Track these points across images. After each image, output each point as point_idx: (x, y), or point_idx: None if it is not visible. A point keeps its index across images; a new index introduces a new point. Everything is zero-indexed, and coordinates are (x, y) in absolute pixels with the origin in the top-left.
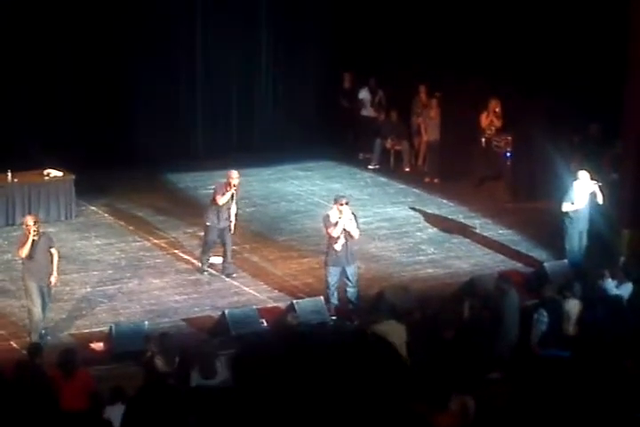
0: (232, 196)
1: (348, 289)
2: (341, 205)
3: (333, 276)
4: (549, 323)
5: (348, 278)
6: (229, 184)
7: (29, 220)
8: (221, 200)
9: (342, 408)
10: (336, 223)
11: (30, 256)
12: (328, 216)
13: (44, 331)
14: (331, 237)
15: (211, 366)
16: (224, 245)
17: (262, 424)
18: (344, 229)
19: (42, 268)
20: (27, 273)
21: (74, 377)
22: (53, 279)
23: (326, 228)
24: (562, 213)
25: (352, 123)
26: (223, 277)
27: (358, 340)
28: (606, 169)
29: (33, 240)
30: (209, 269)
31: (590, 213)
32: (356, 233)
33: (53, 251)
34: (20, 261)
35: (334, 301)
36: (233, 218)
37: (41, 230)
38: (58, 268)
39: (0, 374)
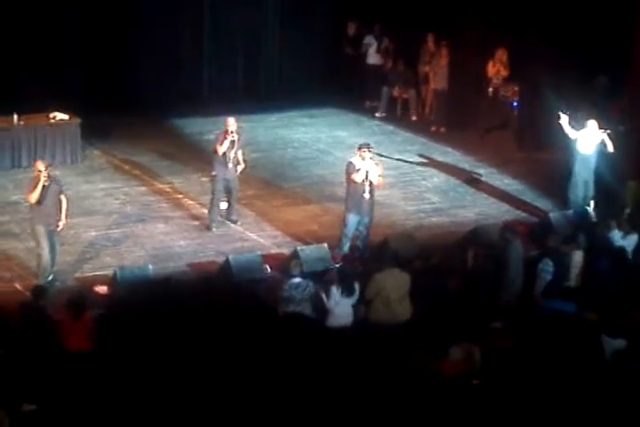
0: (232, 143)
1: (360, 237)
2: (363, 151)
3: (352, 223)
4: (554, 273)
5: (365, 227)
6: (227, 132)
7: (40, 165)
8: (221, 149)
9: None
10: (359, 169)
11: (39, 201)
12: (351, 163)
13: (52, 276)
14: (354, 183)
15: None
16: (230, 192)
17: None
18: (367, 177)
19: (50, 212)
20: (35, 217)
21: (82, 319)
22: (61, 224)
23: (348, 174)
24: (570, 161)
25: (358, 71)
26: (228, 222)
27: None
28: (614, 120)
29: (43, 186)
30: (218, 226)
31: (597, 164)
32: (377, 180)
33: (62, 197)
34: (28, 205)
35: (345, 249)
36: (242, 165)
37: (51, 175)
38: (66, 213)
39: (4, 315)
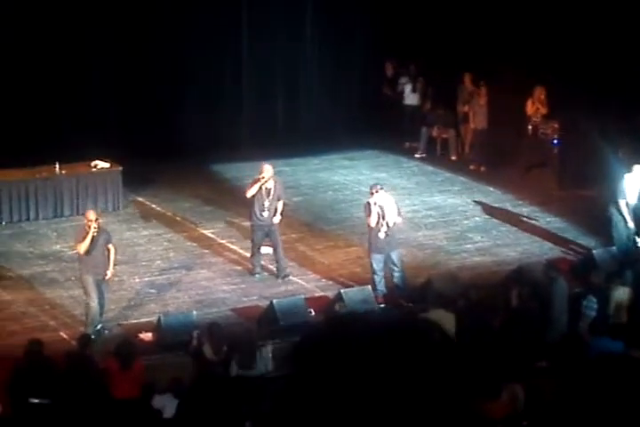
0: (268, 190)
1: (394, 274)
2: (371, 193)
3: (378, 262)
4: (598, 310)
5: (393, 264)
6: (259, 177)
7: (91, 215)
8: (249, 192)
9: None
10: (369, 212)
11: (88, 252)
12: (367, 204)
13: (101, 325)
14: (369, 225)
15: (250, 357)
16: (274, 244)
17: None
18: (380, 216)
19: (98, 262)
20: (84, 267)
21: (130, 368)
22: (109, 273)
23: (366, 216)
24: (609, 202)
25: (396, 112)
26: (270, 266)
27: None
28: None
29: (92, 236)
30: (261, 272)
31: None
32: (391, 220)
33: (111, 246)
34: (76, 254)
35: (381, 288)
36: (278, 216)
37: (100, 225)
38: (114, 263)
39: (51, 364)
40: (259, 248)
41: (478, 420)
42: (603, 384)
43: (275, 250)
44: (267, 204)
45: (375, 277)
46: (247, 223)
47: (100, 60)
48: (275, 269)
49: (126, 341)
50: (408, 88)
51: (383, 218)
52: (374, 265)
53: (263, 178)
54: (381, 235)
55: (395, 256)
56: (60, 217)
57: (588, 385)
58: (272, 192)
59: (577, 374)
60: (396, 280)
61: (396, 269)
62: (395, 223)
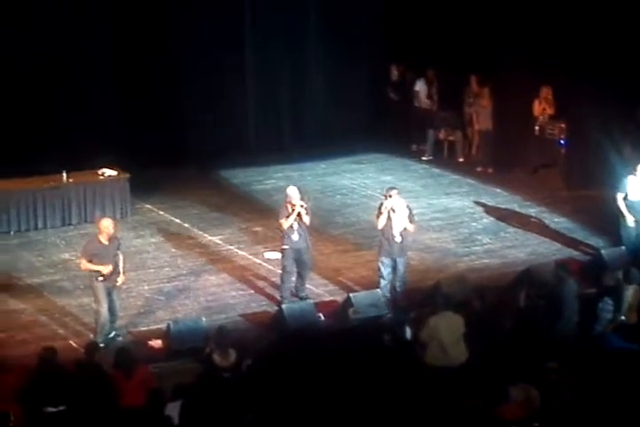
0: (299, 215)
1: (397, 281)
2: (385, 197)
3: (386, 267)
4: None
5: (399, 271)
6: (291, 204)
7: (111, 226)
8: (286, 224)
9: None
10: (379, 214)
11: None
12: (379, 206)
13: (115, 333)
14: (380, 227)
15: None
16: (301, 265)
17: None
18: (391, 220)
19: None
20: (94, 274)
21: (134, 375)
22: (120, 280)
23: (375, 218)
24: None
25: (403, 115)
26: (279, 271)
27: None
28: None
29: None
30: (291, 299)
31: None
32: (401, 225)
33: (119, 253)
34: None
35: (385, 293)
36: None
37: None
38: (124, 269)
39: (61, 372)
40: (289, 277)
41: (489, 421)
42: (619, 382)
43: (300, 274)
44: (296, 226)
45: (381, 280)
46: (256, 229)
47: (104, 67)
48: (294, 289)
49: (123, 349)
50: (423, 93)
51: (393, 222)
52: (382, 269)
53: (294, 205)
54: (397, 239)
55: (401, 263)
56: (67, 226)
57: (602, 385)
58: (304, 215)
59: (593, 374)
60: (397, 287)
61: (399, 275)
62: (405, 229)
